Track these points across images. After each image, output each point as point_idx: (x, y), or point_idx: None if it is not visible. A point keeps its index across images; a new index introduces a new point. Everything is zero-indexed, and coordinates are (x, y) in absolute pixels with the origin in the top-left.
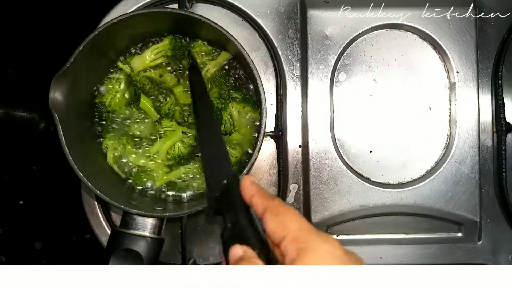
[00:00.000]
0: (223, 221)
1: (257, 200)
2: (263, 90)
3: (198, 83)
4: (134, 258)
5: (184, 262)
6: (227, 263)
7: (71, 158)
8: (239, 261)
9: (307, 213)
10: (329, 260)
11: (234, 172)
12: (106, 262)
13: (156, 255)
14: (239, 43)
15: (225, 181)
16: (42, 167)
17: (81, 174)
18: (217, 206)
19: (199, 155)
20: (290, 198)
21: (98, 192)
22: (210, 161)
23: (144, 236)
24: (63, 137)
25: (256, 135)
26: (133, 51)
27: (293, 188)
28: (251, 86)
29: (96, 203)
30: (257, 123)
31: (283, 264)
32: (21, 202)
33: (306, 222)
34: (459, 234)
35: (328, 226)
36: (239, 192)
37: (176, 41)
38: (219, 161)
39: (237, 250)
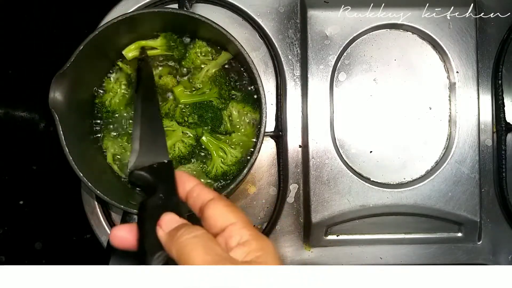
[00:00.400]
0: (149, 190)
1: (200, 190)
2: (263, 90)
3: (146, 73)
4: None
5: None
6: (142, 233)
7: (71, 158)
8: (180, 228)
9: (307, 213)
10: (273, 252)
11: (169, 159)
12: (106, 262)
13: None
14: (239, 43)
15: (157, 161)
16: (42, 167)
17: (81, 174)
18: (140, 176)
19: (132, 133)
20: (290, 198)
21: (98, 192)
22: (145, 139)
23: None
24: (63, 137)
25: (256, 135)
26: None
27: (293, 188)
28: (251, 86)
29: (96, 203)
30: (257, 123)
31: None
32: (21, 202)
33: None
34: (459, 234)
35: (328, 226)
36: (173, 178)
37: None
38: (155, 143)
39: (175, 217)
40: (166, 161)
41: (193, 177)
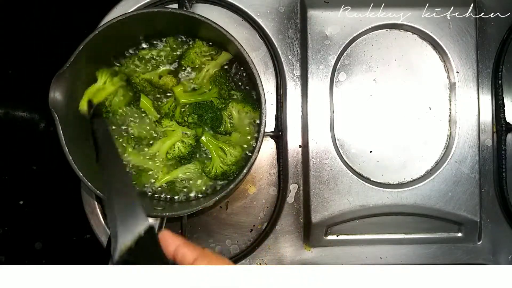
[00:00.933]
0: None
1: (185, 249)
2: (263, 90)
3: (102, 133)
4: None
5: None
6: None
7: (71, 158)
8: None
9: (307, 213)
10: None
11: (150, 224)
12: (106, 262)
13: None
14: (239, 43)
15: (139, 233)
16: (42, 167)
17: (81, 174)
18: (129, 258)
19: (107, 206)
20: (290, 198)
21: (98, 192)
22: (121, 212)
23: None
24: (63, 137)
25: (256, 135)
26: (133, 51)
27: (293, 188)
28: (251, 86)
29: (96, 203)
30: (257, 123)
31: None
32: (21, 202)
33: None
34: (459, 234)
35: (328, 226)
36: (157, 244)
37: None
38: (132, 212)
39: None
40: (143, 231)
41: (176, 236)
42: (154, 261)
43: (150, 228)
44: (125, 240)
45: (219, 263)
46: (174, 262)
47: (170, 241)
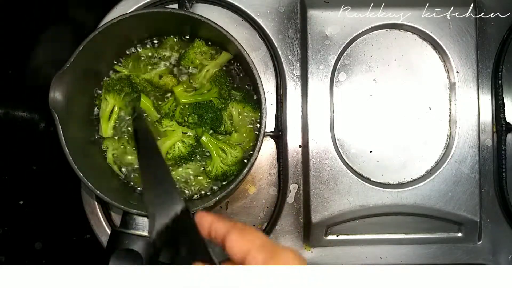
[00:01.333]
0: (173, 249)
1: (218, 224)
2: (263, 90)
3: (142, 131)
4: (134, 258)
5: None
6: None
7: (71, 158)
8: None
9: (307, 213)
10: (294, 263)
11: (186, 205)
12: (106, 262)
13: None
14: (239, 43)
15: (176, 213)
16: (42, 167)
17: (81, 174)
18: (166, 236)
19: (145, 193)
20: (290, 198)
21: (98, 192)
22: (159, 196)
23: (144, 236)
24: (63, 137)
25: (256, 135)
26: (133, 51)
27: (293, 188)
28: (251, 86)
29: (96, 203)
30: (257, 123)
31: None
32: (21, 202)
33: (269, 239)
34: (459, 234)
35: (328, 226)
36: (193, 224)
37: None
38: (169, 195)
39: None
40: (180, 211)
41: (208, 214)
42: (190, 239)
43: (186, 209)
44: (162, 219)
45: (250, 234)
46: (209, 241)
47: (204, 219)
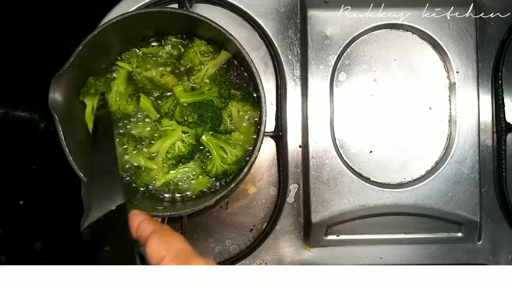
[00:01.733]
0: (99, 245)
1: (145, 225)
2: (263, 89)
3: (105, 119)
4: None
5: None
6: None
7: (71, 158)
8: None
9: (307, 213)
10: None
11: (124, 202)
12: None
13: None
14: (238, 42)
15: (111, 208)
16: (42, 167)
17: (81, 174)
18: (96, 228)
19: (87, 183)
20: (290, 198)
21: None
22: (100, 188)
23: None
24: (63, 137)
25: (256, 133)
26: (134, 50)
27: (293, 188)
28: (251, 85)
29: None
30: (257, 122)
31: None
32: (21, 202)
33: (189, 246)
34: (459, 234)
35: (328, 226)
36: (125, 220)
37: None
38: (110, 189)
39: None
40: (115, 206)
41: (141, 213)
42: (118, 235)
43: (123, 205)
44: (96, 213)
45: (169, 240)
46: (135, 238)
47: (134, 217)
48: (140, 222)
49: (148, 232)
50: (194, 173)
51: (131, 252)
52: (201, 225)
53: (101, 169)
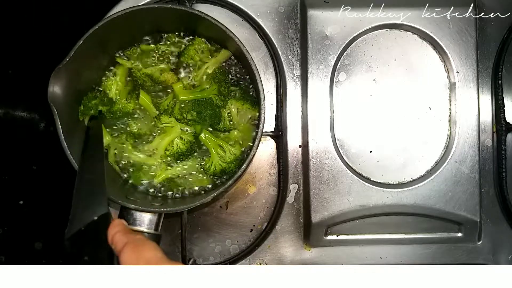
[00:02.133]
0: (79, 255)
1: (119, 237)
2: (262, 86)
3: (95, 133)
4: None
5: (184, 262)
6: None
7: (69, 152)
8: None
9: (307, 213)
10: None
11: (107, 212)
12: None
13: None
14: (238, 39)
15: (93, 218)
16: (42, 167)
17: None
18: (77, 239)
19: (75, 193)
20: (290, 198)
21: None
22: (86, 199)
23: (142, 232)
24: (61, 130)
25: (255, 132)
26: (134, 45)
27: (293, 188)
28: (251, 84)
29: None
30: (256, 121)
31: None
32: (21, 202)
33: (161, 253)
34: (459, 234)
35: (328, 226)
36: (106, 230)
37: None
38: (95, 200)
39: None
40: (97, 217)
41: (119, 223)
42: (98, 245)
43: (105, 215)
44: (78, 223)
45: (142, 251)
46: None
47: (112, 228)
48: (113, 234)
49: (122, 244)
50: (192, 170)
51: (109, 263)
52: (201, 225)
53: (88, 178)
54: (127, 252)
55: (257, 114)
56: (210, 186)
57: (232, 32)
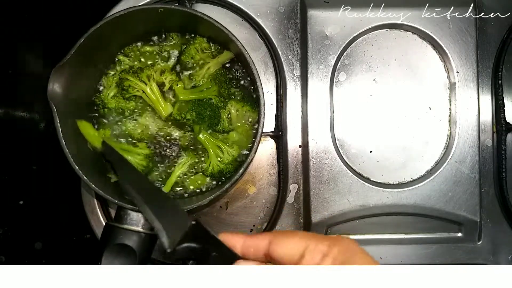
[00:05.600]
0: (201, 257)
1: (254, 239)
2: (262, 90)
3: (112, 153)
4: (128, 253)
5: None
6: None
7: (67, 150)
8: None
9: (307, 213)
10: (355, 247)
11: (195, 219)
12: (99, 257)
13: (149, 251)
14: (239, 41)
15: (190, 223)
16: (42, 167)
17: (81, 173)
18: (191, 240)
19: (145, 215)
20: (290, 198)
21: (93, 186)
22: (160, 211)
23: (138, 232)
24: (60, 129)
25: (254, 134)
26: (135, 45)
27: (293, 188)
28: (251, 86)
29: (96, 203)
30: (256, 123)
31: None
32: (21, 202)
33: (314, 233)
34: (459, 234)
35: (328, 226)
36: (206, 231)
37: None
38: (172, 209)
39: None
40: (194, 222)
41: (236, 234)
42: (215, 246)
43: (196, 223)
44: (173, 232)
45: (293, 233)
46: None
47: (234, 240)
48: (243, 244)
49: (265, 242)
50: (190, 171)
51: (233, 253)
52: None
53: (147, 196)
54: (285, 241)
55: (257, 115)
56: (207, 187)
57: (233, 35)
